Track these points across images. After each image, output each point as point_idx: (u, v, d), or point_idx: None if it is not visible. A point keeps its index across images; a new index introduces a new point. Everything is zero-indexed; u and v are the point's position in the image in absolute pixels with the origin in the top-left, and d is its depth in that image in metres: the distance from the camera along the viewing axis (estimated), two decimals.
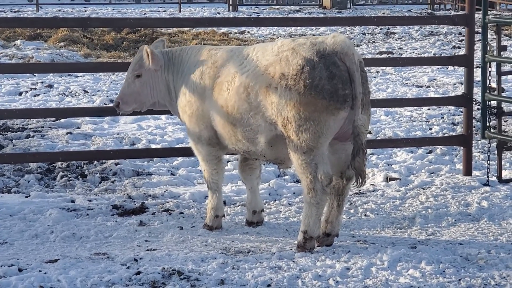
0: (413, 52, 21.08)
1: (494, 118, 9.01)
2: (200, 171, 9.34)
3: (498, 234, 7.19)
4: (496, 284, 5.96)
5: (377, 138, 10.80)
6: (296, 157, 6.45)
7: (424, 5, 41.38)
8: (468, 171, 8.98)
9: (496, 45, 8.75)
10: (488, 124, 8.78)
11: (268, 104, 6.48)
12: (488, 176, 8.74)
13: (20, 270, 6.17)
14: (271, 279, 5.98)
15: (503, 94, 9.62)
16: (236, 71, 6.75)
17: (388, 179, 8.89)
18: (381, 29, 25.96)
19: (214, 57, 7.07)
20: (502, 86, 9.04)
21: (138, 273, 6.06)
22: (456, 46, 22.20)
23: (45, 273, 6.05)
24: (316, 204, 6.51)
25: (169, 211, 7.84)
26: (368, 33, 25.24)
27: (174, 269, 6.15)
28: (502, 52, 8.79)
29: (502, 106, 8.91)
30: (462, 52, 20.67)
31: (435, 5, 38.91)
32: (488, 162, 8.80)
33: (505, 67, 9.57)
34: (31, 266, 6.25)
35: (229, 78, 6.77)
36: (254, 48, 6.87)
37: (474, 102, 9.01)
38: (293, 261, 6.37)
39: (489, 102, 8.78)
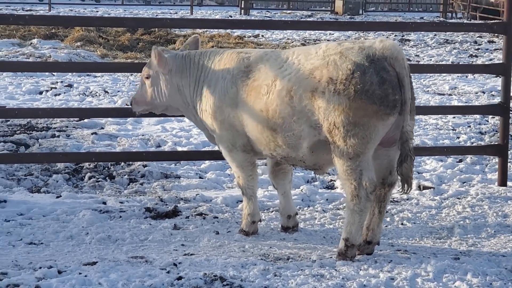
0: (431, 60, 20.98)
1: None
2: (229, 175, 9.27)
3: None
4: None
5: None
6: (342, 163, 6.30)
7: (435, 13, 41.26)
8: (503, 182, 8.85)
9: None
10: None
11: (314, 109, 6.33)
12: None
13: (59, 272, 6.05)
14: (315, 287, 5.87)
15: None
16: (276, 75, 6.59)
17: (421, 187, 8.76)
18: (395, 36, 25.86)
19: (246, 60, 6.91)
20: None
21: (180, 278, 5.93)
22: (473, 54, 22.11)
23: (85, 276, 5.92)
24: (360, 211, 6.38)
25: (203, 215, 7.71)
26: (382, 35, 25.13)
27: (216, 274, 6.02)
28: None
29: None
30: (479, 61, 20.94)
31: (447, 13, 38.77)
32: None
33: None
34: (70, 268, 6.12)
35: (269, 82, 6.61)
36: (294, 52, 6.72)
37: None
38: (335, 270, 6.24)
39: None
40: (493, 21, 11.86)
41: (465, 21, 36.07)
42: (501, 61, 8.89)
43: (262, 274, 6.09)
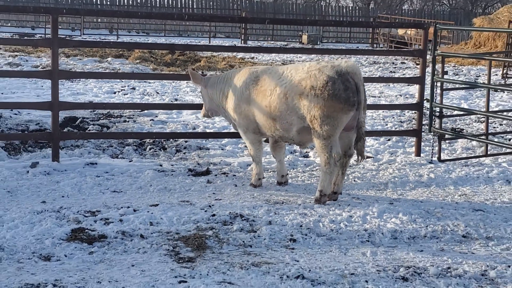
0: (365, 74, 20.75)
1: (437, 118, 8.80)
2: (241, 148, 9.14)
3: (444, 196, 6.98)
4: (451, 230, 5.76)
5: None
6: (318, 141, 6.27)
7: (366, 44, 40.93)
8: (418, 153, 8.77)
9: (440, 71, 8.52)
10: (433, 123, 8.58)
11: (301, 106, 6.28)
12: (432, 157, 8.53)
13: (134, 210, 5.95)
14: (301, 222, 5.77)
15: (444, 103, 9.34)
16: (276, 83, 6.53)
17: (365, 157, 8.64)
18: (340, 57, 25.52)
19: (255, 73, 6.83)
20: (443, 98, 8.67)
21: (213, 215, 5.84)
22: (392, 71, 21.87)
23: (152, 213, 5.82)
24: (330, 173, 6.34)
25: (226, 174, 7.59)
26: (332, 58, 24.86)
27: (237, 213, 5.93)
28: (444, 76, 8.55)
29: (442, 111, 8.66)
30: (396, 75, 20.80)
31: (374, 44, 38.55)
32: (432, 148, 8.60)
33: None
34: (141, 208, 6.02)
35: (272, 87, 6.55)
36: (287, 68, 6.63)
37: (424, 108, 8.81)
38: (314, 210, 6.16)
39: (435, 108, 8.56)
40: (413, 48, 11.48)
41: (388, 49, 35.94)
42: (418, 75, 8.76)
43: (266, 212, 6.00)
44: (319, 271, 4.69)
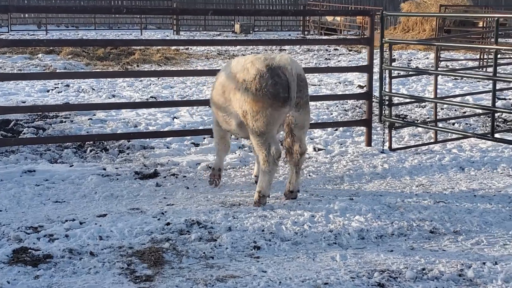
0: (302, 62, 20.44)
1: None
2: (187, 145, 8.61)
3: (402, 187, 6.66)
4: (417, 225, 5.43)
5: None
6: (253, 138, 5.88)
7: (297, 32, 40.65)
8: (369, 143, 8.45)
9: (389, 58, 8.20)
10: (383, 111, 8.27)
11: (235, 100, 5.91)
12: (383, 146, 8.23)
13: (81, 223, 5.35)
14: (263, 225, 5.32)
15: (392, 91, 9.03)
16: (220, 76, 6.24)
17: (316, 149, 8.28)
18: (276, 47, 25.16)
19: (222, 69, 6.49)
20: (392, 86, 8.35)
21: (168, 224, 5.31)
22: (327, 58, 21.65)
23: (100, 226, 5.24)
24: (269, 172, 5.89)
25: (175, 175, 7.04)
26: (267, 50, 24.43)
27: (193, 219, 5.41)
28: (392, 63, 8.24)
29: (392, 99, 8.36)
30: (331, 62, 20.58)
31: (305, 31, 38.37)
32: (383, 137, 8.29)
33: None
34: (88, 220, 5.43)
35: (218, 80, 6.27)
36: (236, 60, 6.19)
37: (374, 97, 8.48)
38: (274, 211, 5.72)
39: (384, 97, 8.25)
40: (361, 36, 11.19)
41: (318, 36, 35.86)
42: (366, 63, 8.41)
43: (224, 217, 5.51)
44: (290, 283, 4.25)
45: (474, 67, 14.69)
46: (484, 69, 16.24)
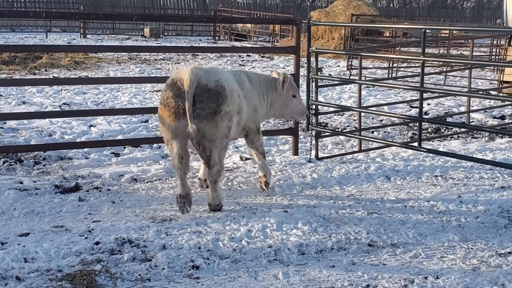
0: None
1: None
2: (107, 155, 8.19)
3: (334, 198, 6.55)
4: (355, 238, 5.32)
5: None
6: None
7: (207, 37, 40.34)
8: (296, 152, 8.33)
9: (315, 67, 8.13)
10: (310, 120, 8.18)
11: None
12: (310, 155, 8.14)
13: (2, 243, 4.87)
14: (199, 242, 5.04)
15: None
16: None
17: (243, 158, 8.07)
18: (188, 54, 24.70)
19: None
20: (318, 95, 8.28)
21: (97, 243, 4.93)
22: (241, 64, 21.56)
23: (24, 246, 4.79)
24: (176, 174, 5.84)
25: (99, 188, 6.61)
26: (181, 55, 24.01)
27: (124, 238, 5.06)
28: (319, 72, 8.16)
29: (318, 108, 8.30)
30: (246, 68, 20.45)
31: (216, 37, 38.18)
32: (311, 145, 8.20)
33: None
34: (10, 240, 4.97)
35: None
36: None
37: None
38: (208, 226, 5.45)
39: (311, 106, 8.16)
40: (288, 46, 11.16)
41: (228, 42, 35.75)
42: (282, 70, 8.28)
43: (157, 234, 5.19)
44: None
45: (395, 78, 14.98)
46: (391, 76, 16.63)
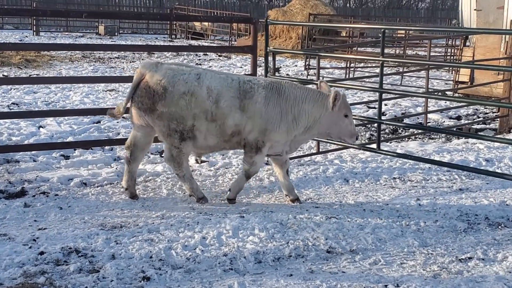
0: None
1: None
2: (56, 158, 7.87)
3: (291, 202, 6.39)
4: (313, 245, 5.15)
5: None
6: None
7: (164, 35, 39.77)
8: None
9: (272, 67, 7.95)
10: None
11: None
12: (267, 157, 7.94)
13: None
14: (150, 251, 4.80)
15: None
16: None
17: (199, 161, 7.83)
18: (143, 52, 24.26)
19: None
20: None
21: (42, 253, 4.64)
22: (198, 63, 21.27)
23: None
24: None
25: (46, 193, 6.28)
26: (136, 54, 23.58)
27: (70, 247, 4.78)
28: (276, 72, 7.98)
29: None
30: (204, 66, 20.18)
31: (172, 35, 37.71)
32: None
33: None
34: None
35: None
36: None
37: None
38: (161, 234, 5.21)
39: None
40: (245, 45, 10.94)
41: (185, 41, 35.34)
42: (238, 69, 8.09)
43: (106, 243, 4.93)
44: None
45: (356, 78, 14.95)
46: (349, 76, 16.62)
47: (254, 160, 6.02)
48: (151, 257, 4.70)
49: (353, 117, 6.18)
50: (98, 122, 10.10)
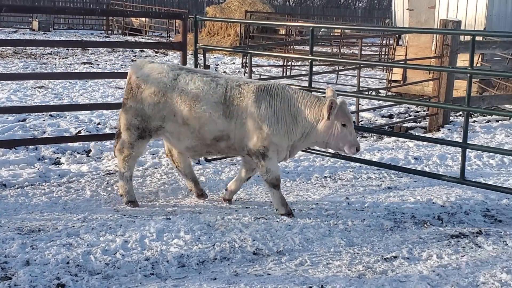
0: (107, 63, 19.47)
1: None
2: None
3: (221, 203, 6.25)
4: (240, 246, 5.03)
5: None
6: None
7: (100, 31, 38.97)
8: None
9: (203, 64, 7.81)
10: None
11: None
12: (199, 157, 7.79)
13: None
14: (68, 256, 4.58)
15: None
16: None
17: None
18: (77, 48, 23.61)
19: None
20: None
21: None
22: (133, 60, 20.87)
23: None
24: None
25: None
26: (69, 50, 22.98)
27: None
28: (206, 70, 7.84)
29: None
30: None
31: (109, 31, 36.98)
32: None
33: None
34: None
35: None
36: None
37: None
38: (80, 238, 4.99)
39: None
40: (175, 42, 10.74)
41: (122, 36, 34.72)
42: None
43: (21, 248, 4.69)
44: None
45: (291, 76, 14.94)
46: (285, 75, 16.64)
47: (265, 168, 5.71)
48: (68, 262, 4.49)
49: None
50: (24, 120, 9.72)
